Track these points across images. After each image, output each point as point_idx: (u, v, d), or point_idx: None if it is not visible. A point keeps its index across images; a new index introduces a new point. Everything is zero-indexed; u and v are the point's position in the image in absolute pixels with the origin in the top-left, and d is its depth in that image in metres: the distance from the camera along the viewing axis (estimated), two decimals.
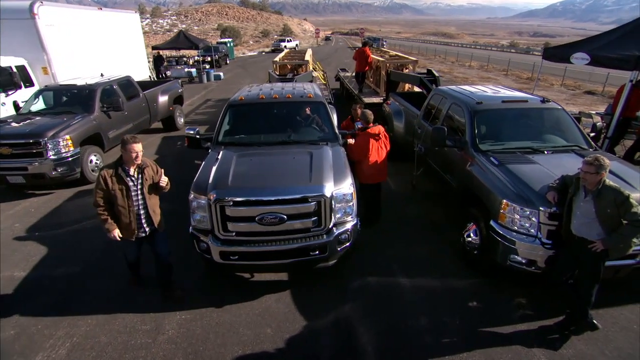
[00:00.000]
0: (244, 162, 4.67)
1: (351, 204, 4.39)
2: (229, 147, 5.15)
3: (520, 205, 3.94)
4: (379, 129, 5.43)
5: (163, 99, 10.96)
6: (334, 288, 4.50)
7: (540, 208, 3.84)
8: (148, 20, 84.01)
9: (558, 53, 8.92)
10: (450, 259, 5.00)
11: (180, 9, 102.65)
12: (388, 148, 5.60)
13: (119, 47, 13.66)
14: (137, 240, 3.96)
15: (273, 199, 4.03)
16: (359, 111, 6.00)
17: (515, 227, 4.02)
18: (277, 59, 13.84)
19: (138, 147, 3.67)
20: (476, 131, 5.17)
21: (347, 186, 4.33)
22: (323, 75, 14.97)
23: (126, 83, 9.51)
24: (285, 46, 45.76)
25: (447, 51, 46.45)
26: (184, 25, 77.94)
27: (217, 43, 35.27)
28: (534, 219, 3.90)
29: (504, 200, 4.06)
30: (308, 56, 13.51)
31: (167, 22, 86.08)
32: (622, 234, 3.29)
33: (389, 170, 8.18)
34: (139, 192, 3.81)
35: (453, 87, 6.77)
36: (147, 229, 3.95)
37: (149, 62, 18.13)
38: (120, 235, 3.84)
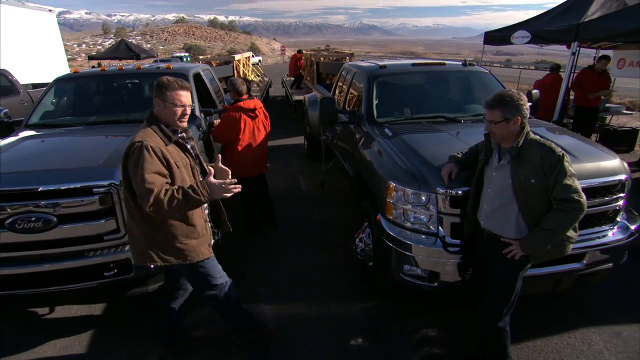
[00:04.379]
0: (28, 146, 3.18)
1: None
2: (37, 129, 3.65)
3: (410, 188, 2.59)
4: (255, 103, 4.05)
5: None
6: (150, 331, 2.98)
7: (438, 189, 2.50)
8: (112, 39, 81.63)
9: (498, 35, 7.98)
10: (345, 274, 3.59)
11: (146, 29, 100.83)
12: (268, 129, 4.22)
13: (25, 46, 11.97)
14: None
15: (29, 188, 2.53)
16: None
17: (409, 223, 2.66)
18: (201, 57, 12.69)
19: (188, 97, 2.07)
20: (376, 101, 3.87)
21: None
22: (260, 79, 14.11)
23: None
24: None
25: None
26: (148, 45, 76.07)
27: (172, 57, 34.10)
28: (431, 207, 2.56)
29: (390, 183, 2.71)
30: (239, 57, 12.28)
31: (132, 41, 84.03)
32: (549, 229, 1.99)
33: (302, 167, 6.89)
34: (198, 165, 2.23)
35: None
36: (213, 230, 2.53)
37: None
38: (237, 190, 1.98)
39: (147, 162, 1.85)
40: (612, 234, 2.72)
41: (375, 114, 3.74)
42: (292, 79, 13.91)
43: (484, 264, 2.37)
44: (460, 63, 4.33)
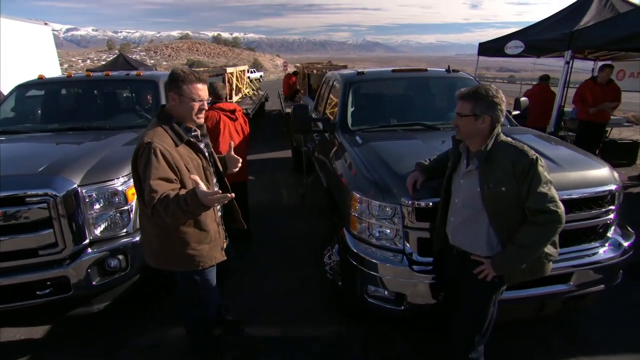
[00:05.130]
0: None
1: (129, 206, 2.73)
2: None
3: (374, 199, 2.34)
4: (234, 105, 4.02)
5: None
6: (101, 349, 2.72)
7: (403, 200, 2.25)
8: (116, 55, 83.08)
9: (493, 46, 7.83)
10: (315, 294, 3.31)
11: (150, 45, 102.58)
12: (247, 132, 4.09)
13: (18, 58, 12.01)
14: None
15: None
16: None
17: (374, 239, 2.41)
18: (194, 69, 12.66)
19: (206, 91, 1.92)
20: (352, 108, 3.67)
21: (121, 176, 2.73)
22: (254, 92, 14.16)
23: None
24: (248, 77, 45.10)
25: None
26: (152, 61, 77.23)
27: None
28: (397, 220, 2.31)
29: (353, 193, 2.47)
30: (232, 69, 12.23)
31: (136, 57, 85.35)
32: (524, 245, 1.73)
33: (287, 180, 6.66)
34: (213, 166, 2.13)
35: None
36: (227, 233, 2.36)
37: None
38: (231, 196, 1.77)
39: (153, 168, 1.73)
40: (603, 252, 2.45)
41: (349, 121, 3.53)
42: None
43: (455, 285, 2.11)
44: (444, 70, 4.13)
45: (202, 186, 1.66)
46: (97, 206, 2.63)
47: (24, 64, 12.32)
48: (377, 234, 2.38)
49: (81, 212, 2.57)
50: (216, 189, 1.92)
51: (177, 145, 1.85)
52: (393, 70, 4.03)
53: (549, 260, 1.84)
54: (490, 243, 1.85)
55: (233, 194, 1.77)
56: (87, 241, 2.60)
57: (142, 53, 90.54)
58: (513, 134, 3.13)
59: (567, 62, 5.76)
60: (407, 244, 2.30)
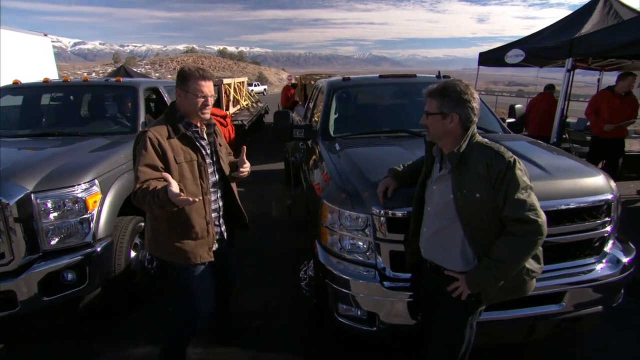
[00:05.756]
0: None
1: (89, 214, 2.60)
2: None
3: (343, 208, 2.19)
4: (225, 112, 3.99)
5: None
6: None
7: (373, 209, 2.09)
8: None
9: (493, 55, 7.76)
10: (292, 314, 3.13)
11: (156, 59, 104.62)
12: (232, 136, 4.04)
13: (17, 67, 12.19)
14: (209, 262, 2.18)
15: None
16: None
17: (345, 252, 2.24)
18: None
19: (210, 87, 2.04)
20: (335, 115, 3.55)
21: (82, 183, 2.64)
22: (252, 104, 14.18)
23: None
24: (252, 90, 45.59)
25: None
26: (157, 74, 78.51)
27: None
28: (367, 231, 2.15)
29: (323, 202, 2.32)
30: (230, 81, 12.27)
31: (141, 70, 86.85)
32: (500, 259, 1.56)
33: (277, 192, 6.52)
34: (215, 164, 2.21)
35: None
36: (225, 235, 2.32)
37: None
38: (193, 200, 1.77)
39: (142, 155, 1.88)
40: (600, 269, 2.26)
41: (331, 128, 3.40)
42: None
43: (430, 304, 1.93)
44: (434, 76, 4.01)
45: (173, 185, 1.72)
46: (53, 214, 2.51)
47: (23, 74, 12.50)
48: (349, 247, 2.22)
49: (34, 220, 2.44)
50: (212, 187, 2.13)
51: (170, 137, 1.96)
52: (381, 76, 3.91)
53: (531, 277, 1.66)
54: (466, 256, 1.68)
55: (197, 199, 1.79)
56: (40, 252, 2.47)
57: (147, 66, 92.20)
58: (503, 140, 3.00)
59: (569, 71, 5.63)
60: (379, 258, 2.13)
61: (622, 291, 2.37)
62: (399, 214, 2.04)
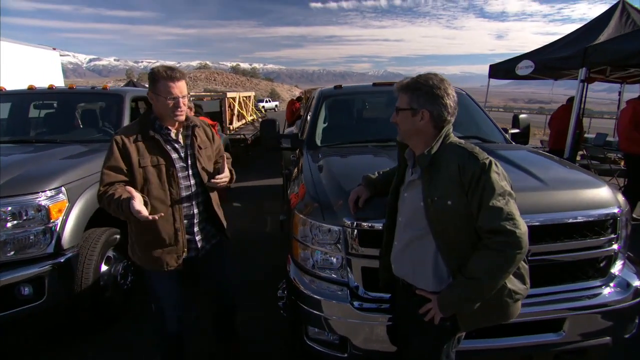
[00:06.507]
0: None
1: (52, 224, 2.52)
2: None
3: (314, 219, 2.04)
4: (213, 122, 3.88)
5: None
6: None
7: (345, 221, 1.94)
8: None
9: (503, 67, 7.63)
10: (267, 337, 2.95)
11: None
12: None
13: (25, 80, 12.61)
14: (178, 270, 2.14)
15: None
16: None
17: (316, 268, 2.08)
18: (192, 92, 13.10)
19: (181, 87, 1.97)
20: (324, 124, 3.44)
21: (48, 190, 2.58)
22: (256, 119, 14.62)
23: None
24: (263, 106, 46.27)
25: None
26: None
27: None
28: (340, 245, 1.99)
29: (295, 213, 2.18)
30: (235, 95, 12.39)
31: None
32: (474, 276, 1.38)
33: (274, 207, 6.39)
34: (190, 169, 2.11)
35: None
36: (200, 244, 2.19)
37: None
38: (152, 218, 1.82)
39: (107, 157, 1.92)
40: (608, 293, 2.04)
41: (318, 137, 3.28)
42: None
43: (404, 327, 1.74)
44: None
45: (136, 200, 1.74)
46: (11, 223, 2.42)
47: (31, 84, 12.93)
48: (320, 263, 2.06)
49: None
50: (184, 193, 2.05)
51: (137, 140, 1.95)
52: (374, 84, 3.81)
53: (514, 299, 1.47)
54: (439, 274, 1.50)
55: (156, 216, 1.80)
56: None
57: None
58: (502, 149, 2.84)
59: (582, 81, 5.43)
60: (351, 275, 1.96)
61: (637, 320, 2.14)
62: (372, 225, 1.88)
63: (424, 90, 1.48)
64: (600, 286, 2.05)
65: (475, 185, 1.39)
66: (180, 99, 1.95)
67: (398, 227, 1.65)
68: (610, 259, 2.07)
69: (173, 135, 2.05)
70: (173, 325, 2.21)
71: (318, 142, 3.23)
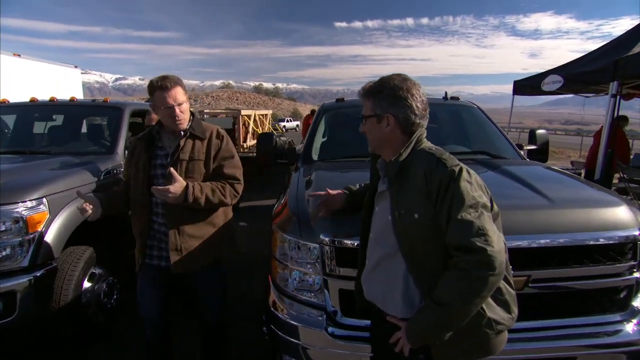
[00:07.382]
0: None
1: (30, 236, 2.52)
2: None
3: (291, 236, 1.92)
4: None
5: None
6: None
7: (322, 238, 1.81)
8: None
9: (528, 83, 7.43)
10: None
11: (191, 94, 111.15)
12: None
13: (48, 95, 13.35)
14: (155, 276, 2.17)
15: None
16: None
17: (295, 291, 1.95)
18: (206, 110, 13.47)
19: (175, 95, 1.98)
20: (323, 138, 3.37)
21: (28, 201, 2.57)
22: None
23: None
24: (284, 126, 46.94)
25: None
26: (190, 109, 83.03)
27: None
28: (318, 266, 1.86)
29: (273, 230, 2.07)
30: (249, 112, 12.58)
31: None
32: (442, 301, 1.22)
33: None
34: (160, 176, 2.09)
35: None
36: (166, 254, 2.09)
37: None
38: (89, 210, 1.99)
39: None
40: (632, 330, 1.82)
41: (315, 152, 3.20)
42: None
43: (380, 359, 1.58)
44: (441, 97, 3.77)
45: (87, 203, 1.98)
46: None
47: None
48: (297, 284, 1.93)
49: None
50: (155, 198, 2.06)
51: (139, 146, 2.13)
52: None
53: (496, 330, 1.29)
54: (409, 298, 1.34)
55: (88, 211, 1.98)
56: None
57: None
58: (510, 165, 2.67)
59: (614, 96, 5.17)
60: (329, 299, 1.82)
61: None
62: (349, 243, 1.75)
63: (386, 93, 1.37)
64: (620, 321, 1.83)
65: (443, 195, 1.24)
66: (176, 107, 1.98)
67: (369, 245, 1.52)
68: (632, 290, 1.86)
69: (166, 139, 2.13)
70: (153, 335, 2.26)
71: (314, 157, 3.15)
